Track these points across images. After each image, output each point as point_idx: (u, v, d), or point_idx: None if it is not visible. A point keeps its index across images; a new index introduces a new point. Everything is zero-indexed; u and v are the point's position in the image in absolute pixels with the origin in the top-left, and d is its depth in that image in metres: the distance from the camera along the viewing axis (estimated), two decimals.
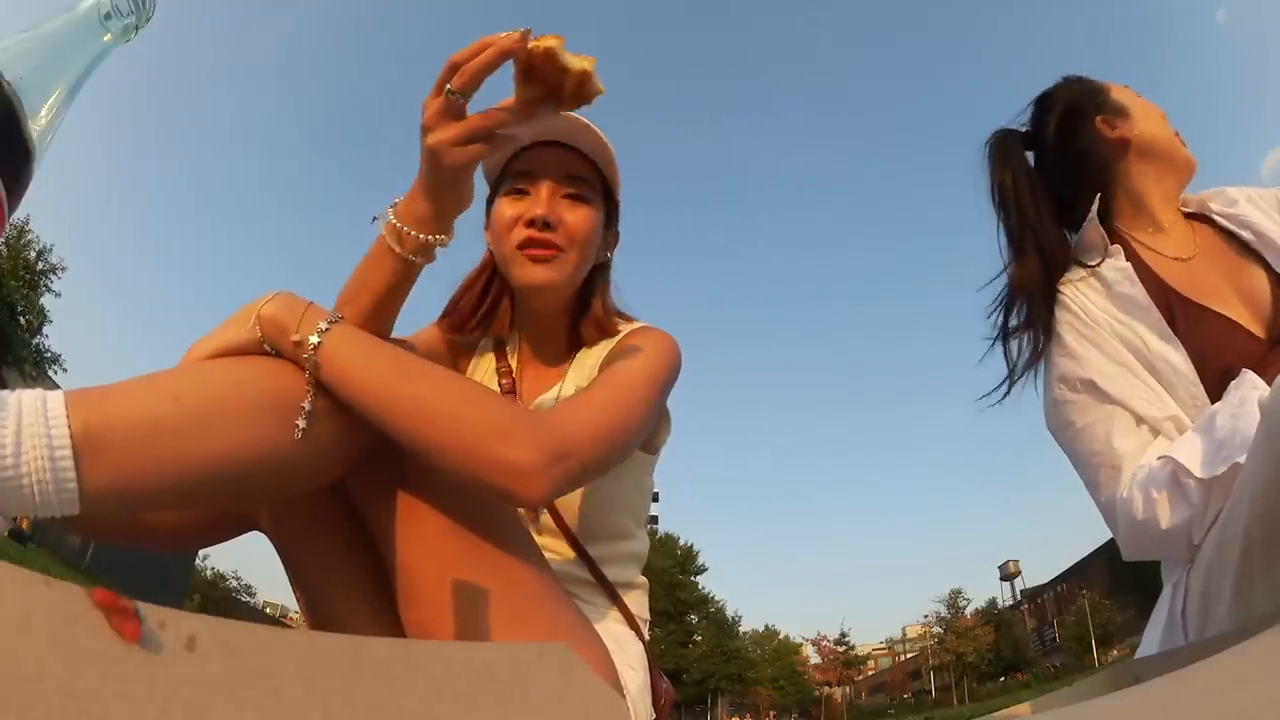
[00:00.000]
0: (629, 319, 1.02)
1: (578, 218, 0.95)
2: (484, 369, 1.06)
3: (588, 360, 0.98)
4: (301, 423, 0.63)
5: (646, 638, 0.93)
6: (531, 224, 0.92)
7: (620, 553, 0.95)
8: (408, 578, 0.71)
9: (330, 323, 0.66)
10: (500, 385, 1.02)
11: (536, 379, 1.03)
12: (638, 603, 0.95)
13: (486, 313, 1.05)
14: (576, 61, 0.64)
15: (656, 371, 0.85)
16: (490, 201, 1.01)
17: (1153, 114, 1.15)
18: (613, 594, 0.92)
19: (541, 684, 0.45)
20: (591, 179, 0.98)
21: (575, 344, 1.02)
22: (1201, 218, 1.14)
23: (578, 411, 0.73)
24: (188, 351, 0.68)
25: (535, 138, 0.96)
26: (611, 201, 1.03)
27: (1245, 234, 1.06)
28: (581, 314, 1.01)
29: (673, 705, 0.93)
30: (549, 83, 0.66)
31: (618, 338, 0.97)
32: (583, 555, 0.92)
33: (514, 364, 1.04)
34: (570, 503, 0.92)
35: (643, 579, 0.99)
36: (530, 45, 0.63)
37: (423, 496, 0.71)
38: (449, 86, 0.66)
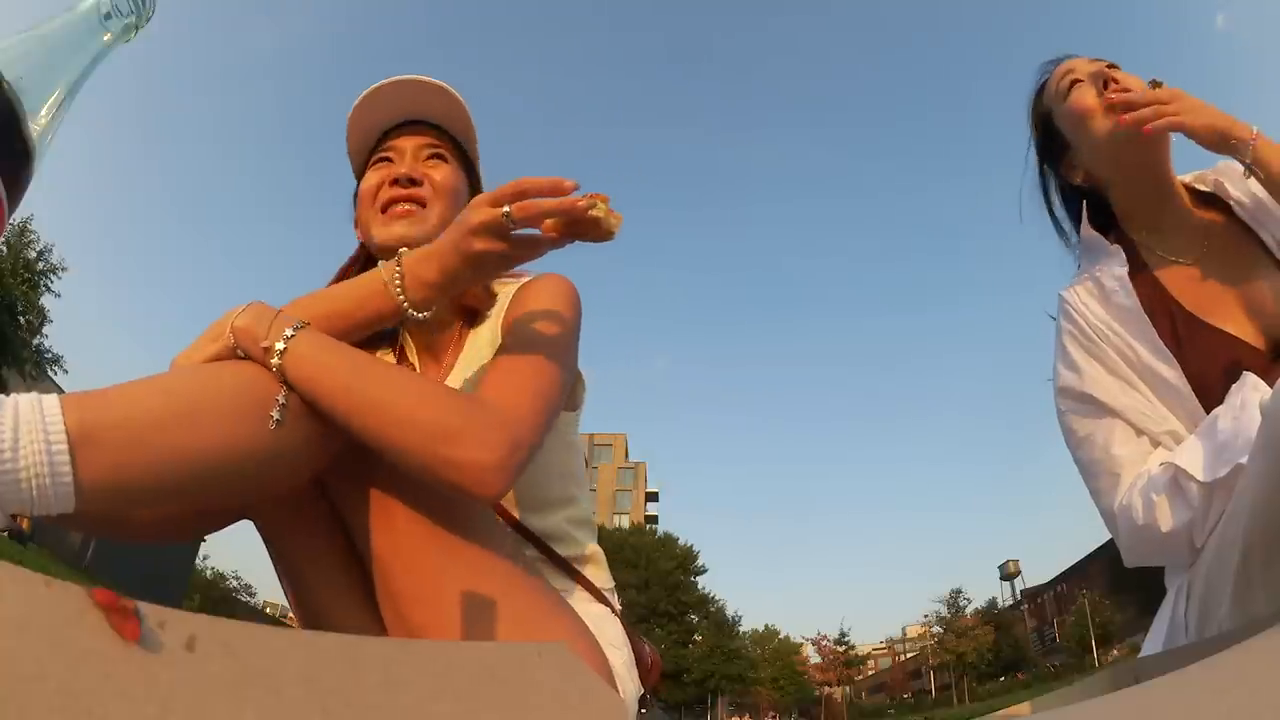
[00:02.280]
0: (518, 275, 0.99)
1: (442, 173, 0.98)
2: None
3: (480, 339, 0.96)
4: (276, 414, 0.65)
5: (618, 608, 0.93)
6: (395, 183, 0.95)
7: (568, 519, 0.93)
8: (382, 570, 0.73)
9: (295, 329, 0.68)
10: None
11: (431, 366, 1.00)
12: (598, 574, 0.93)
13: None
14: (613, 223, 0.71)
15: (562, 322, 0.85)
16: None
17: (1088, 127, 1.07)
18: (570, 570, 0.91)
19: (540, 683, 0.45)
20: (450, 145, 1.02)
21: (465, 319, 1.00)
22: (1217, 200, 1.07)
23: (511, 390, 0.74)
24: (173, 362, 0.72)
25: (395, 119, 1.01)
26: (472, 166, 1.06)
27: (1264, 235, 1.00)
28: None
29: (659, 668, 0.93)
30: (581, 231, 0.72)
31: (506, 298, 0.95)
32: (524, 533, 0.90)
33: (411, 355, 1.01)
34: None
35: (596, 547, 0.96)
36: (591, 213, 0.69)
37: (394, 490, 0.72)
38: (510, 211, 0.69)
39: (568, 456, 0.96)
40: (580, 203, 0.69)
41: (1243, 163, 0.94)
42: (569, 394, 0.91)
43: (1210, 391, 0.94)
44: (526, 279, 0.96)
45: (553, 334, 0.83)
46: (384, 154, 0.99)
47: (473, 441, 0.66)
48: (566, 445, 0.96)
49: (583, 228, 0.71)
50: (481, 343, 0.95)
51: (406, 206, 0.94)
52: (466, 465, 0.65)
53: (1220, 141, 0.94)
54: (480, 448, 0.66)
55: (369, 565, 0.74)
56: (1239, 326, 0.98)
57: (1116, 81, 1.05)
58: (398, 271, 0.76)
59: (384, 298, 0.76)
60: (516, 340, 0.82)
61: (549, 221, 0.71)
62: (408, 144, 0.99)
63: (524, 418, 0.72)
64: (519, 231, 0.71)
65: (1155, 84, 1.00)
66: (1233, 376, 0.91)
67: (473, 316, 0.99)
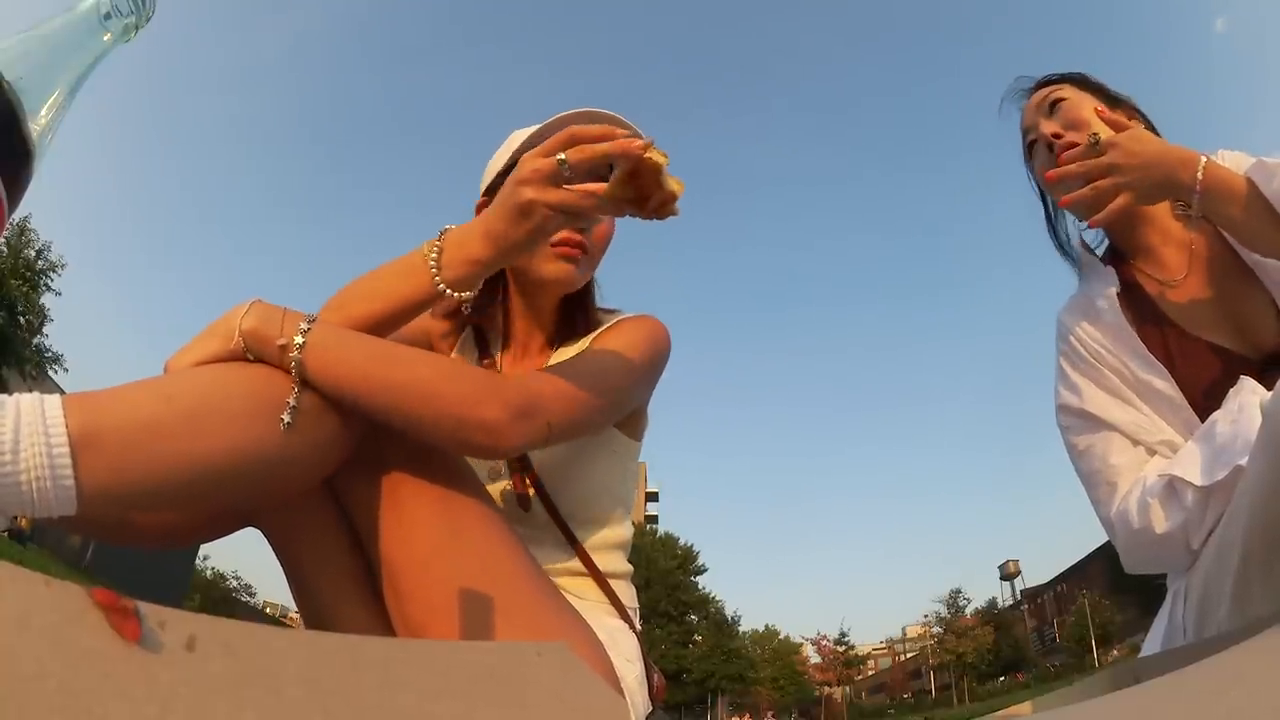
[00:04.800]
0: (613, 311, 1.03)
1: (606, 225, 0.98)
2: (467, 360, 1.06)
3: (562, 359, 0.98)
4: (286, 416, 0.65)
5: (638, 627, 0.94)
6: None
7: (609, 540, 0.96)
8: (391, 572, 0.73)
9: (309, 323, 0.68)
10: None
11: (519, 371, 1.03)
12: (626, 592, 0.96)
13: (486, 300, 1.04)
14: (673, 184, 0.67)
15: (638, 351, 0.88)
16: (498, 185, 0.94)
17: (1054, 194, 1.10)
18: (604, 584, 0.93)
19: (541, 683, 0.45)
20: None
21: (558, 340, 1.03)
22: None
23: (551, 375, 0.77)
24: (166, 364, 0.69)
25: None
26: None
27: (1242, 253, 1.00)
28: (571, 310, 1.02)
29: (663, 695, 0.94)
30: (642, 192, 0.68)
31: (600, 330, 0.98)
32: (575, 545, 0.93)
33: (497, 358, 1.05)
34: (559, 490, 0.93)
35: (629, 566, 0.99)
36: (646, 155, 0.66)
37: (406, 493, 0.73)
38: (564, 157, 0.67)
39: (621, 482, 0.99)
40: (636, 143, 0.65)
41: (1189, 210, 0.93)
42: (625, 417, 0.94)
43: (1203, 402, 0.95)
44: (624, 316, 0.99)
45: (620, 357, 0.85)
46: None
47: (487, 402, 0.69)
48: (622, 470, 0.99)
49: (643, 181, 0.66)
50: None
51: (575, 250, 0.93)
52: (480, 423, 0.68)
53: (1169, 194, 0.93)
54: (494, 407, 0.69)
55: (377, 568, 0.74)
56: (1228, 338, 0.99)
57: (1060, 138, 1.05)
58: (437, 246, 0.73)
59: (419, 277, 0.73)
60: (583, 355, 0.86)
61: (605, 190, 0.67)
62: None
63: (547, 395, 0.73)
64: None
65: (1094, 142, 0.93)
66: (1224, 386, 0.92)
67: (565, 338, 1.01)
